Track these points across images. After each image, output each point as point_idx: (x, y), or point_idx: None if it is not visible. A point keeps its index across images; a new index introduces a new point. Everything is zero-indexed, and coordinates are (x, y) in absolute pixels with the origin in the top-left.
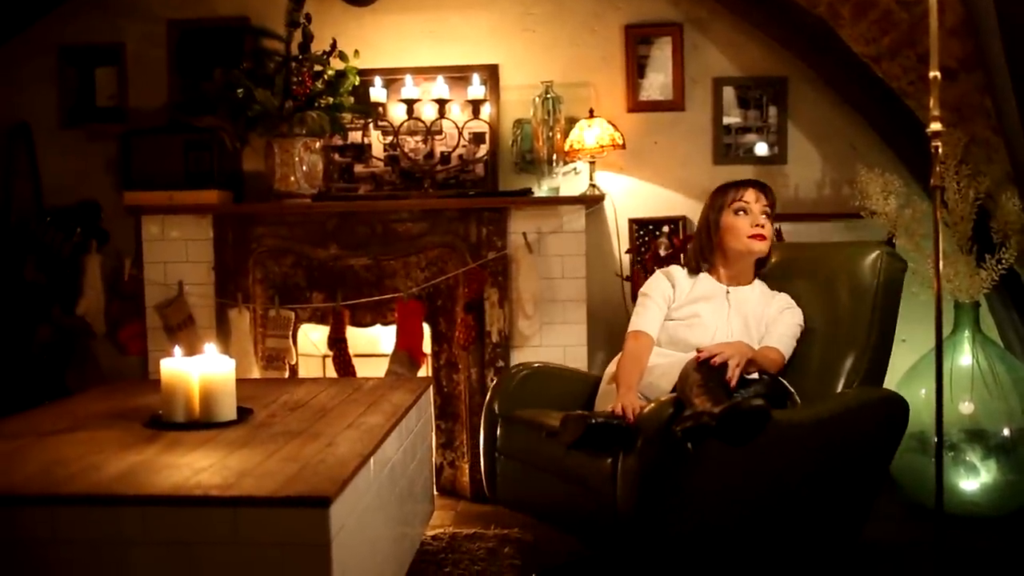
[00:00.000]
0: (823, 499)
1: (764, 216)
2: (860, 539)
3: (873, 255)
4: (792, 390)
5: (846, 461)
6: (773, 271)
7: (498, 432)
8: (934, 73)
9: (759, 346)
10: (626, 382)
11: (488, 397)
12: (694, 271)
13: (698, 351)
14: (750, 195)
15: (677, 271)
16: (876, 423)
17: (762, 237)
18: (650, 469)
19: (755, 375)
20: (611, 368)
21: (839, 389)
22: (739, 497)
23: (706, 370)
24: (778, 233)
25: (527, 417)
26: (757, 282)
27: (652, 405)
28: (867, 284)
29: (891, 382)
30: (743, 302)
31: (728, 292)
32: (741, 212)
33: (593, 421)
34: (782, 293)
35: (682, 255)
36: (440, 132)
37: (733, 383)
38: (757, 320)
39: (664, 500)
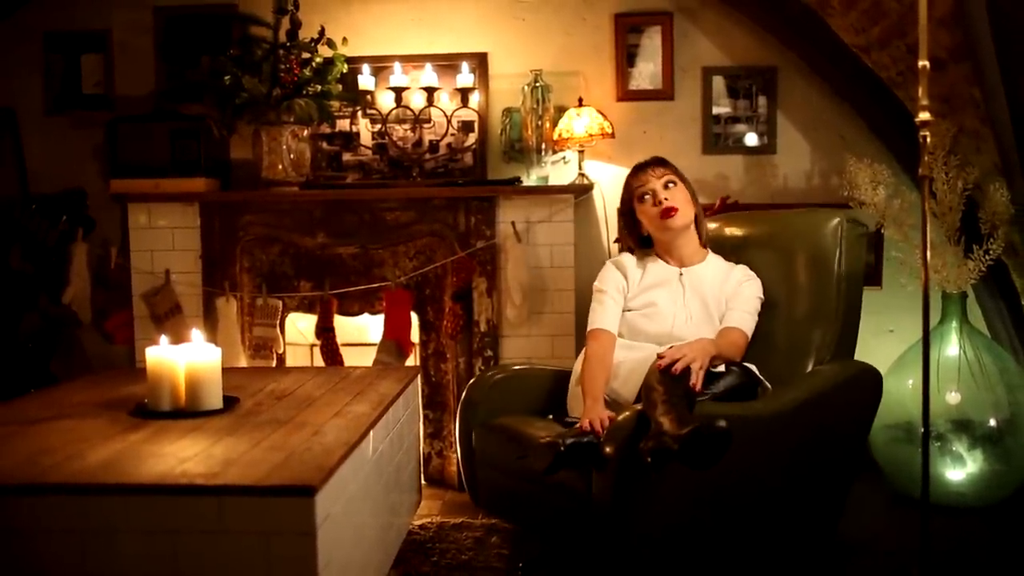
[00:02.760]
0: (804, 484)
1: (669, 187)
2: (845, 530)
3: (833, 222)
4: (762, 378)
5: (824, 443)
6: (730, 242)
7: (474, 442)
8: (923, 63)
9: (720, 328)
10: (592, 393)
11: (461, 405)
12: (641, 256)
13: (659, 356)
14: (643, 178)
15: (627, 259)
16: (852, 399)
17: (672, 210)
18: (622, 481)
19: (721, 367)
20: (578, 366)
21: (810, 365)
22: (717, 493)
23: (668, 381)
24: (734, 205)
25: (502, 427)
26: (711, 257)
27: (618, 420)
28: (829, 253)
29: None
30: (699, 282)
31: (681, 274)
32: (645, 197)
33: (562, 447)
34: (740, 265)
35: None
36: (429, 120)
37: (698, 387)
38: (716, 299)
39: (639, 501)
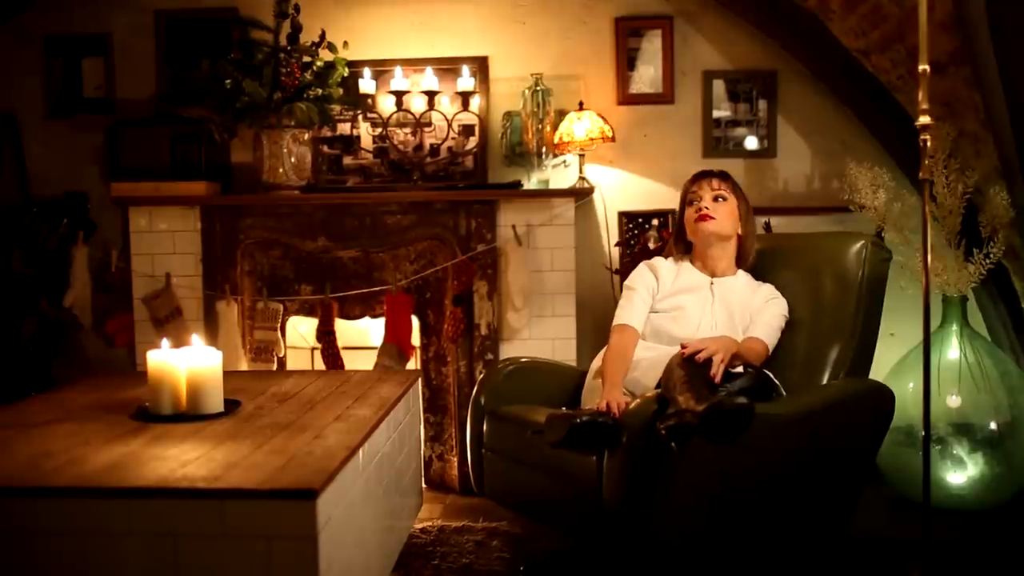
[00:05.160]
0: (810, 491)
1: (718, 200)
2: (847, 532)
3: (857, 245)
4: (777, 383)
5: (833, 453)
6: (757, 261)
7: (484, 428)
8: (923, 67)
9: (744, 337)
10: (611, 379)
11: (474, 392)
12: (676, 261)
13: (682, 346)
14: (699, 184)
15: (660, 262)
16: (863, 414)
17: (706, 217)
18: (635, 466)
19: (740, 368)
20: (597, 363)
21: (825, 380)
22: (726, 491)
23: (690, 366)
24: (767, 226)
25: (513, 414)
26: (741, 273)
27: (637, 401)
28: (852, 274)
29: (879, 376)
30: (727, 293)
31: (712, 283)
32: (694, 203)
33: (578, 420)
34: (767, 284)
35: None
36: (429, 124)
37: (718, 379)
38: (742, 311)
39: (650, 495)
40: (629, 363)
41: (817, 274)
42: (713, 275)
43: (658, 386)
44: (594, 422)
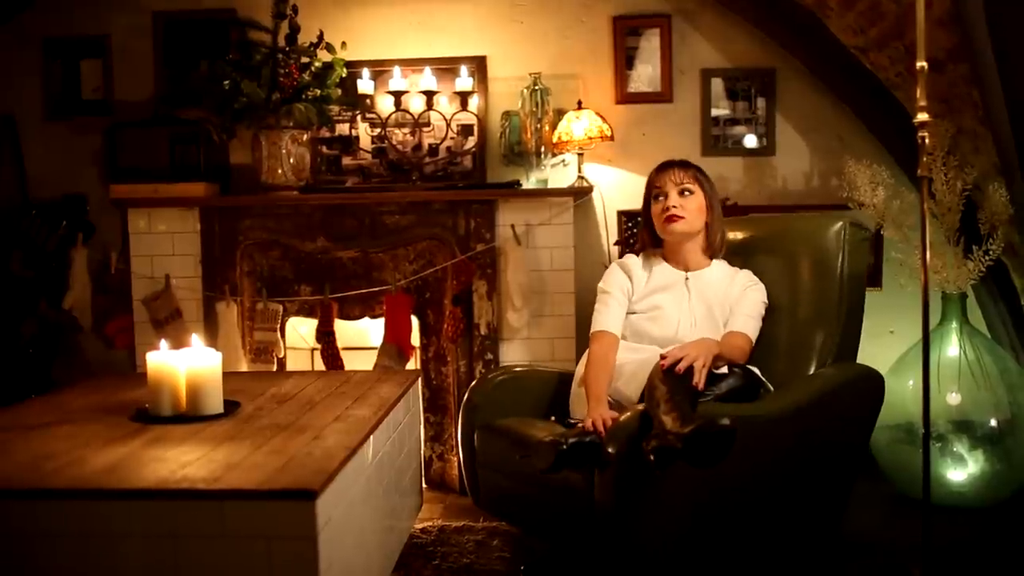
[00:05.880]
0: (802, 489)
1: (683, 194)
2: (846, 530)
3: (836, 226)
4: (764, 379)
5: (824, 448)
6: (733, 245)
7: (476, 443)
8: (921, 64)
9: (726, 329)
10: (595, 394)
11: (462, 407)
12: (648, 257)
13: (662, 357)
14: (663, 179)
15: (632, 261)
16: (853, 403)
17: (673, 218)
18: (622, 481)
19: (724, 368)
20: (581, 368)
21: (812, 368)
22: (714, 496)
23: (671, 380)
24: (734, 207)
25: (503, 429)
26: (716, 262)
27: (621, 420)
28: (832, 256)
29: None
30: (704, 287)
31: (687, 278)
32: (660, 198)
33: (563, 447)
34: (744, 270)
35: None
36: (428, 124)
37: (700, 385)
38: (721, 304)
39: (642, 502)
40: (611, 371)
41: (796, 258)
42: (687, 269)
43: (642, 398)
44: (580, 443)
